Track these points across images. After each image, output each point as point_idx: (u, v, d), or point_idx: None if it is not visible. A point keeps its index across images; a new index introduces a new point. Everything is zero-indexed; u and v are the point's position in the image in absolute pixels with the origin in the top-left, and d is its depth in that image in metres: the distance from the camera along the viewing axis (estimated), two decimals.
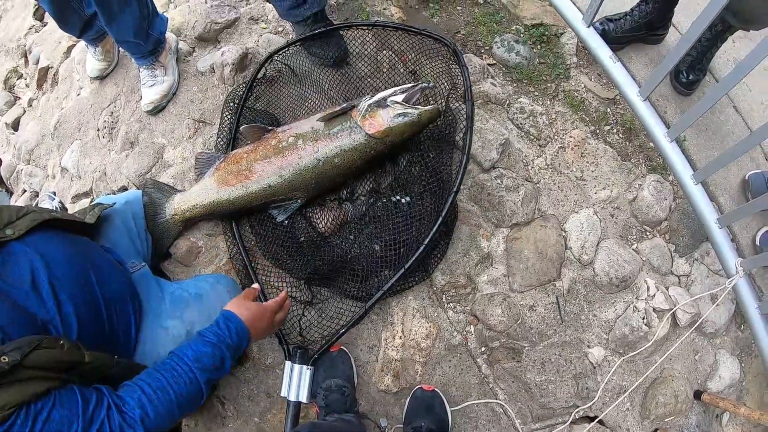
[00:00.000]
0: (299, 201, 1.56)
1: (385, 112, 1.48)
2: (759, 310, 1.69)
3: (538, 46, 2.01)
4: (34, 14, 3.03)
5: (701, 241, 1.86)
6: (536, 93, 1.92)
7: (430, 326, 1.58)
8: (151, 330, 1.27)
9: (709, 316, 1.78)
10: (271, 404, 1.56)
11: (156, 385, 0.98)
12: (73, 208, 2.10)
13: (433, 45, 1.60)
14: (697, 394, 1.80)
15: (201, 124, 1.86)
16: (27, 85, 3.02)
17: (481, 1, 2.09)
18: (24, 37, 3.02)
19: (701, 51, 1.88)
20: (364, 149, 1.50)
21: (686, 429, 1.80)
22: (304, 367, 1.38)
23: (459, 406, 1.57)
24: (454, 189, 1.39)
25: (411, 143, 1.60)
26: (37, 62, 2.75)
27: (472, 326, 1.63)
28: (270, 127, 1.59)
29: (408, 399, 1.55)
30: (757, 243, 1.84)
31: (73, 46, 2.55)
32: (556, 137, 1.83)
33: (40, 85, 2.73)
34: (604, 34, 1.80)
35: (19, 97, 3.03)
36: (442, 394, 1.53)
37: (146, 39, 1.82)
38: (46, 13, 2.42)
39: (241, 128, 1.66)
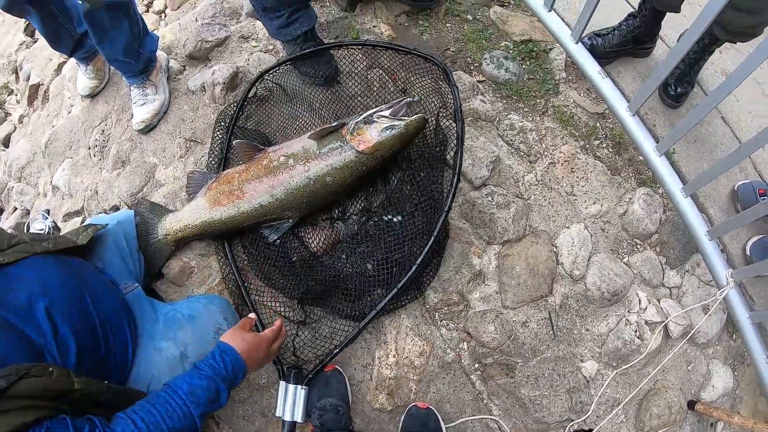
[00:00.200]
0: (291, 220, 1.56)
1: (373, 128, 1.49)
2: (750, 320, 1.69)
3: (527, 62, 2.03)
4: (25, 30, 3.02)
5: (692, 253, 1.88)
6: (526, 109, 1.93)
7: (423, 344, 1.58)
8: (144, 352, 1.27)
9: (701, 327, 1.79)
10: (266, 424, 1.56)
11: (149, 420, 0.97)
12: (64, 227, 2.09)
13: (423, 64, 1.61)
14: (691, 405, 1.80)
15: (192, 143, 1.86)
16: (18, 102, 3.01)
17: (470, 18, 2.10)
18: (15, 53, 3.02)
19: (689, 64, 1.89)
20: (354, 166, 1.51)
21: None
22: (299, 386, 1.38)
23: (454, 423, 1.57)
24: (446, 208, 1.39)
25: (402, 161, 1.60)
26: (28, 79, 2.74)
27: (465, 343, 1.63)
28: (261, 147, 1.60)
29: (403, 417, 1.55)
30: (748, 253, 1.84)
31: (64, 63, 2.55)
32: (546, 153, 1.84)
33: (30, 102, 2.72)
34: (593, 49, 1.81)
35: (10, 114, 3.03)
36: (436, 411, 1.54)
37: (137, 58, 1.83)
38: None
39: (233, 143, 1.67)
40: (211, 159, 1.75)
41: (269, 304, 1.57)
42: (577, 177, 1.83)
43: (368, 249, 1.55)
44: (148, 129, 1.93)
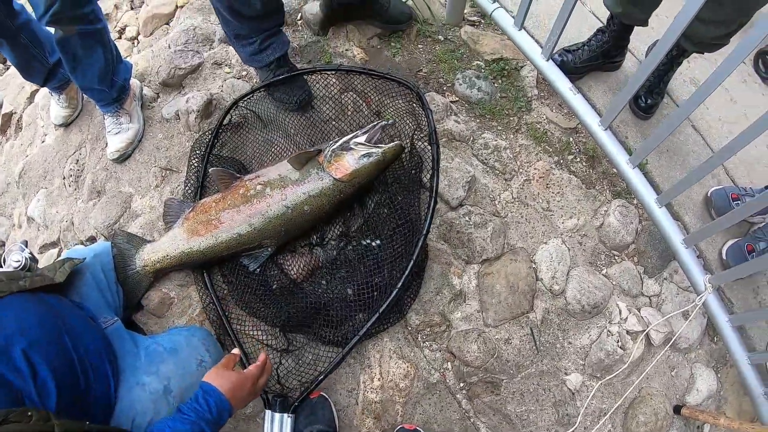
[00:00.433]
0: (270, 249, 1.56)
1: (350, 155, 1.49)
2: (730, 323, 1.72)
3: (499, 81, 2.05)
4: None
5: (669, 261, 1.90)
6: (499, 127, 1.95)
7: (407, 366, 1.58)
8: (127, 387, 1.25)
9: (682, 333, 1.82)
10: None
11: None
12: (41, 259, 2.06)
13: (397, 87, 1.62)
14: (677, 409, 1.82)
15: (168, 172, 1.84)
16: None
17: (442, 39, 2.12)
18: None
19: (658, 75, 1.93)
20: (332, 194, 1.51)
21: None
22: (285, 415, 1.38)
23: None
24: (424, 231, 1.40)
25: (378, 185, 1.61)
26: (0, 107, 2.70)
27: (449, 363, 1.63)
28: (238, 175, 1.59)
29: None
30: (724, 257, 1.88)
31: (37, 91, 2.51)
32: (521, 170, 1.86)
33: (3, 131, 2.67)
34: (563, 66, 1.83)
35: None
36: None
37: (111, 86, 1.81)
38: None
39: (210, 170, 1.66)
40: (187, 188, 1.74)
41: (251, 332, 1.56)
42: (553, 192, 1.85)
43: (348, 274, 1.55)
44: (123, 158, 1.91)
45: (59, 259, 1.43)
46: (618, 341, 1.74)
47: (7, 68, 2.91)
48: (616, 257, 1.87)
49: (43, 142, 2.29)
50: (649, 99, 1.96)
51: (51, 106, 2.16)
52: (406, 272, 1.39)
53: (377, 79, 1.64)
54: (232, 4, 1.57)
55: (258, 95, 1.77)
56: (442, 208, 1.73)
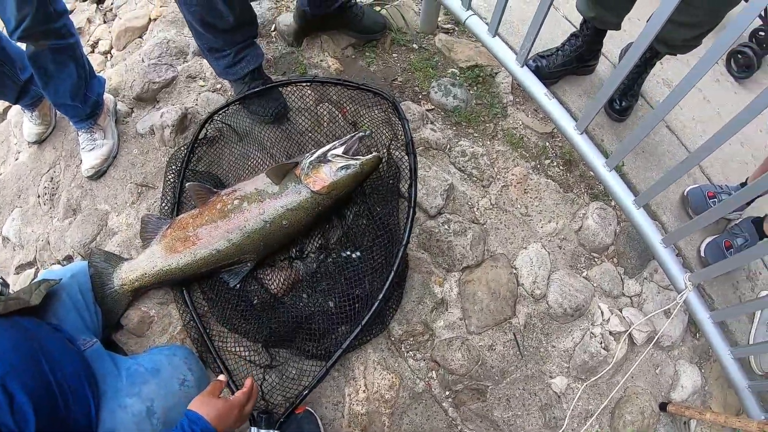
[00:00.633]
0: (249, 264, 1.54)
1: (328, 167, 1.48)
2: (711, 319, 1.74)
3: (475, 88, 2.06)
4: None
5: (648, 260, 1.92)
6: (476, 134, 1.95)
7: (392, 377, 1.58)
8: (109, 409, 1.23)
9: (664, 331, 1.83)
10: None
11: None
12: (16, 280, 2.02)
13: (372, 97, 1.61)
14: (663, 406, 1.83)
15: (144, 188, 1.82)
16: None
17: (416, 47, 2.13)
18: None
19: (632, 78, 1.95)
20: (310, 206, 1.50)
21: None
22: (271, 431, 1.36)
23: None
24: (404, 242, 1.40)
25: (357, 196, 1.60)
26: None
27: (434, 372, 1.63)
28: (215, 189, 1.58)
29: None
30: (702, 254, 1.90)
31: (9, 107, 2.47)
32: (498, 176, 1.86)
33: None
34: (538, 71, 1.84)
35: None
36: None
37: (84, 101, 1.79)
38: None
39: (186, 185, 1.64)
40: (164, 204, 1.71)
41: (233, 349, 1.54)
42: (531, 197, 1.86)
43: (329, 286, 1.54)
44: (98, 175, 1.88)
45: (35, 280, 1.40)
46: (601, 342, 1.75)
47: None
48: (596, 259, 1.88)
49: (16, 159, 2.24)
50: (623, 101, 1.98)
51: (24, 123, 2.12)
52: (387, 283, 1.38)
53: (353, 90, 1.63)
54: (204, 17, 1.56)
55: (233, 108, 1.76)
56: (421, 217, 1.73)
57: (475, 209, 1.80)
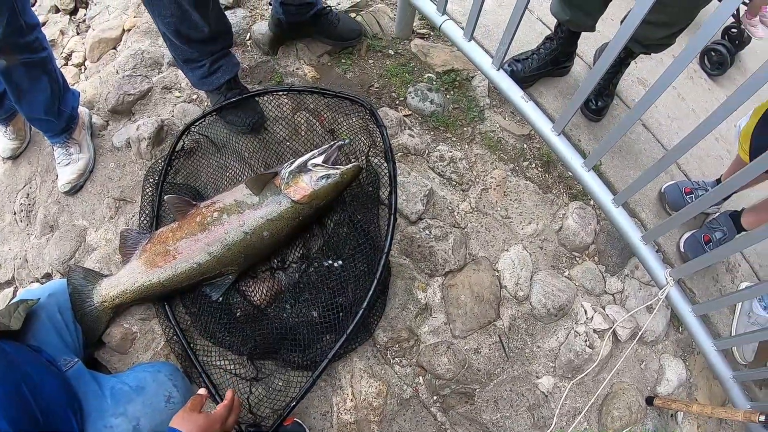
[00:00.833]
0: (231, 276, 1.53)
1: (308, 177, 1.48)
2: (694, 313, 1.76)
3: (451, 92, 2.06)
4: None
5: (629, 257, 1.95)
6: (454, 139, 1.96)
7: (379, 384, 1.57)
8: (95, 430, 1.21)
9: (647, 327, 1.85)
10: None
11: None
12: None
13: (350, 105, 1.61)
14: (649, 401, 1.85)
15: (122, 202, 1.80)
16: None
17: (392, 53, 2.13)
18: None
19: (607, 78, 1.97)
20: (291, 216, 1.49)
21: None
22: None
23: None
24: (386, 250, 1.39)
25: (337, 204, 1.60)
26: None
27: (420, 377, 1.63)
28: (194, 202, 1.56)
29: None
30: (682, 249, 1.93)
31: None
32: (477, 180, 1.87)
33: None
34: (514, 75, 1.86)
35: None
36: None
37: (58, 116, 1.76)
38: None
39: (165, 198, 1.62)
40: (142, 218, 1.69)
41: (218, 363, 1.53)
42: (511, 200, 1.87)
43: (312, 296, 1.53)
44: (75, 190, 1.86)
45: (12, 302, 1.38)
46: (586, 341, 1.76)
47: None
48: (577, 258, 1.90)
49: None
50: (599, 101, 2.00)
51: None
52: (371, 291, 1.38)
53: (330, 98, 1.63)
54: (179, 28, 1.54)
55: (210, 119, 1.74)
56: (402, 223, 1.73)
57: (455, 213, 1.80)
